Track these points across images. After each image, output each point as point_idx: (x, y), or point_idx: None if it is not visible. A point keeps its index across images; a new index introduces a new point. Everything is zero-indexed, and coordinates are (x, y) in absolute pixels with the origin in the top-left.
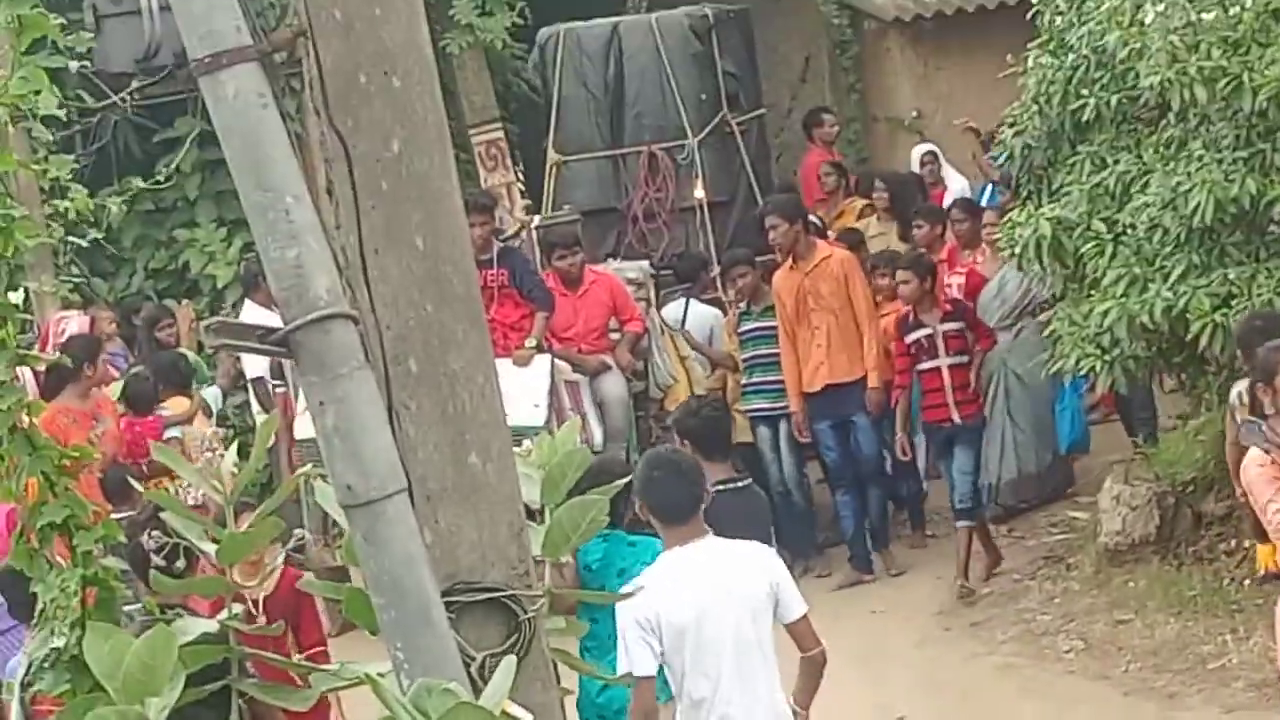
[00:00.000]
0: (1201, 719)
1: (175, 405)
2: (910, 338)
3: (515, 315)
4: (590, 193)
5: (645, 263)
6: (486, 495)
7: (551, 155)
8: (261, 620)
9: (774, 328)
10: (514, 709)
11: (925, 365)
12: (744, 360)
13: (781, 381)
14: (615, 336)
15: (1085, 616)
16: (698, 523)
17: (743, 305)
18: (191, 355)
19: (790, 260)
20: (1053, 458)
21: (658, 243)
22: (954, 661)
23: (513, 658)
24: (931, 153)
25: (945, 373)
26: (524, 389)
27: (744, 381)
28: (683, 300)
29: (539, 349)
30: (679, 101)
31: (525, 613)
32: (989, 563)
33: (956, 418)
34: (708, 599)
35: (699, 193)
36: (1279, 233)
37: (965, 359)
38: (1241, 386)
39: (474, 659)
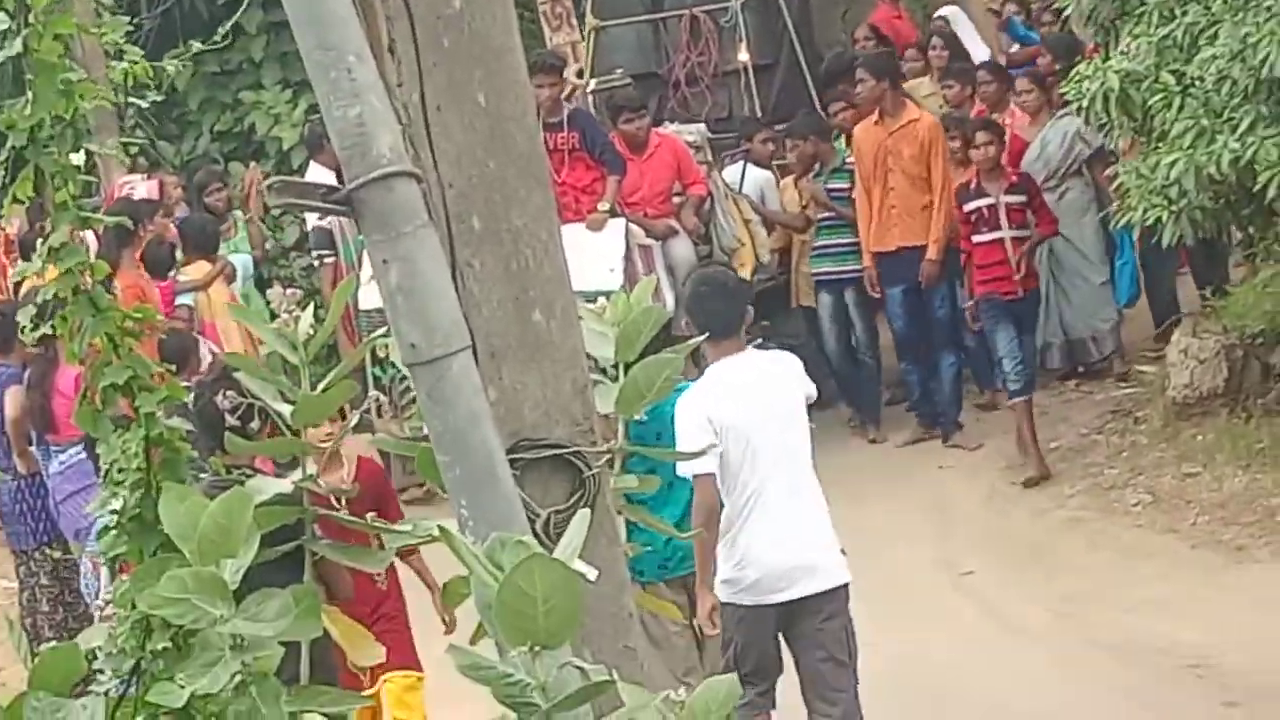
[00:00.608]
0: (1270, 571)
1: (195, 271)
2: (970, 206)
3: (587, 178)
4: (630, 57)
5: (702, 125)
6: (550, 352)
7: (590, 20)
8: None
9: (843, 190)
10: (578, 564)
11: (985, 237)
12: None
13: (847, 245)
14: (678, 200)
15: (1153, 470)
16: (739, 338)
17: (815, 168)
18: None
19: (877, 116)
20: (1113, 319)
21: (700, 107)
22: (1022, 516)
23: (586, 512)
24: (942, 18)
25: (1008, 244)
26: (599, 253)
27: (813, 244)
28: (740, 163)
29: (612, 213)
30: None
31: (589, 469)
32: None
33: (1021, 291)
34: (755, 409)
35: (743, 56)
36: None
37: (1026, 232)
38: None
39: (539, 515)
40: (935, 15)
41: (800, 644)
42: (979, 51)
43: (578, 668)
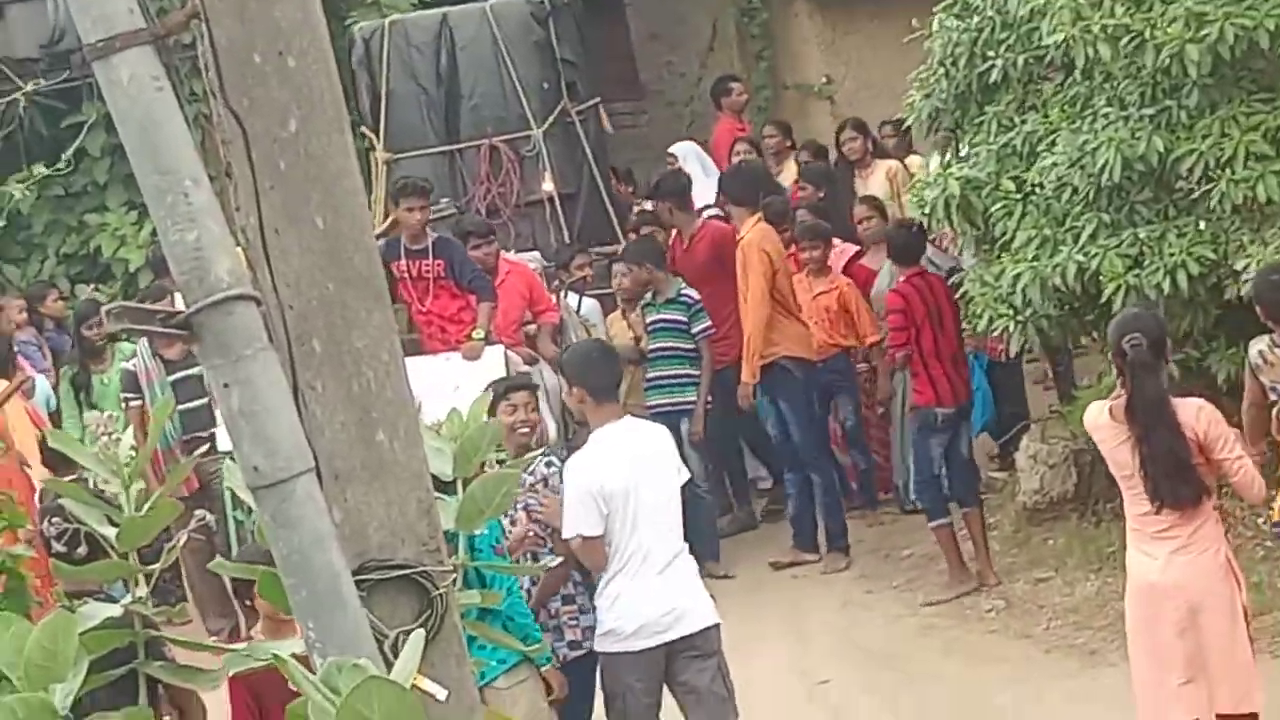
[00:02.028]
0: (1122, 674)
1: None
2: None
3: (453, 307)
4: None
5: (537, 253)
6: (394, 472)
7: (380, 154)
8: None
9: (676, 321)
10: (427, 684)
11: None
12: (649, 353)
13: (682, 376)
14: (530, 329)
15: (1006, 576)
16: (619, 403)
17: (648, 297)
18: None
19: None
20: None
21: (505, 239)
22: (877, 624)
23: (421, 632)
24: (672, 155)
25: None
26: (481, 382)
27: (647, 376)
28: (573, 293)
29: (488, 340)
30: (520, 91)
31: (436, 589)
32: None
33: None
34: (640, 467)
35: (548, 185)
36: (1187, 189)
37: None
38: (1262, 344)
39: (387, 636)
40: (667, 152)
41: (684, 684)
42: (705, 189)
43: None
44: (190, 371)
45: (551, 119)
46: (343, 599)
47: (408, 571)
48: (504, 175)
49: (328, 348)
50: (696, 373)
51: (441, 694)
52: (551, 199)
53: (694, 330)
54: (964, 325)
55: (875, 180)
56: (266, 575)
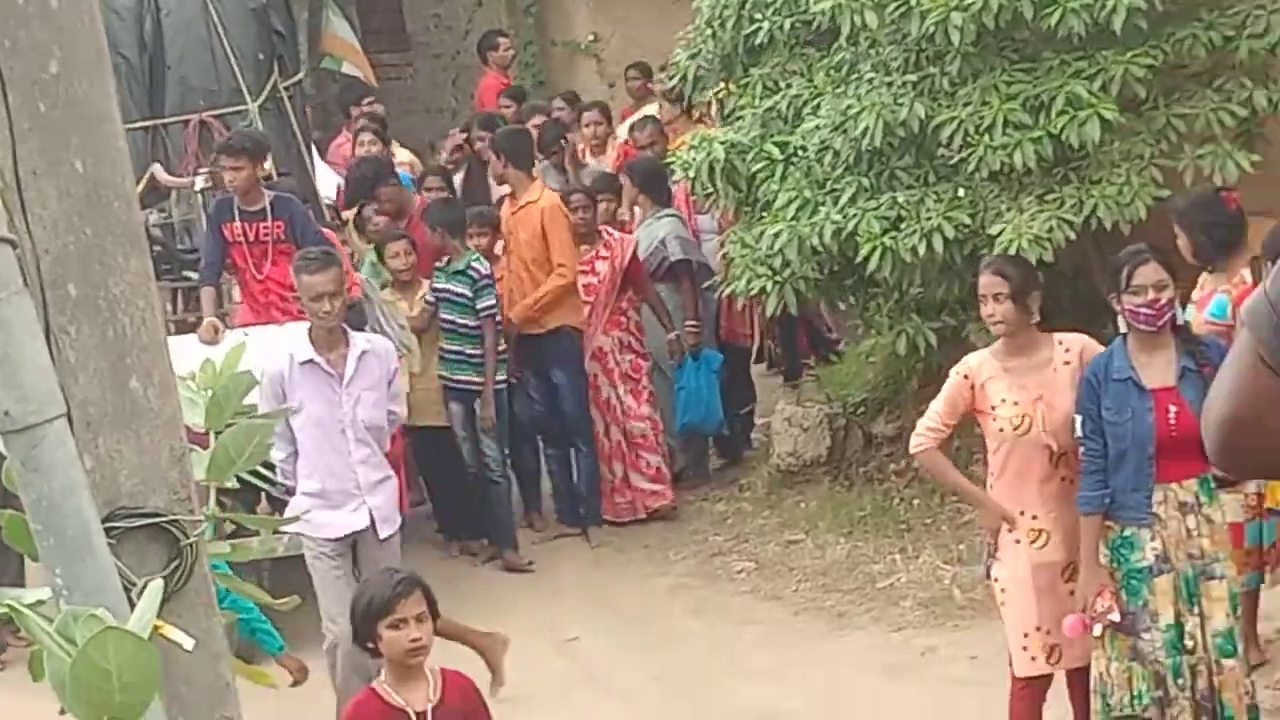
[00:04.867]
0: (870, 636)
1: None
2: None
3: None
4: None
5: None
6: (148, 420)
7: None
8: None
9: (460, 294)
10: (174, 634)
11: None
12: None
13: (469, 354)
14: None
15: (757, 537)
16: None
17: (440, 263)
18: None
19: (510, 195)
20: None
21: None
22: (628, 583)
23: (160, 581)
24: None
25: None
26: None
27: (440, 348)
28: None
29: None
30: (235, 64)
31: (187, 538)
32: None
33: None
34: None
35: (266, 164)
36: (947, 156)
37: None
38: None
39: (135, 584)
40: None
41: None
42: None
43: None
44: None
45: (265, 94)
46: (92, 547)
47: (158, 520)
48: (215, 154)
49: (84, 292)
50: (478, 352)
51: (188, 643)
52: (269, 178)
53: (478, 306)
54: (724, 286)
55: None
56: (14, 520)
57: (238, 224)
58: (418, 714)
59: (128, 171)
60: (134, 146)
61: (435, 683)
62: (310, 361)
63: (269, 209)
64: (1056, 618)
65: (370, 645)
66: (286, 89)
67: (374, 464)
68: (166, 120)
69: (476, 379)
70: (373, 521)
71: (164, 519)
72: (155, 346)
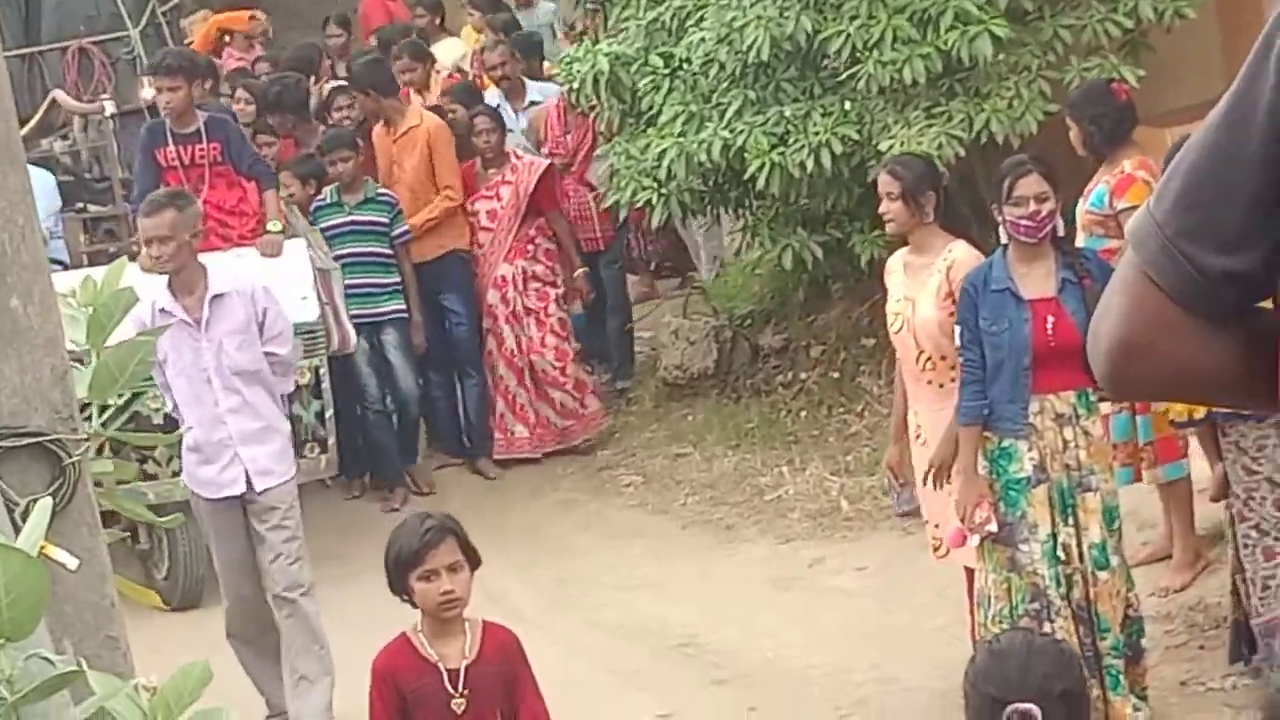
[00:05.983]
0: (758, 549)
1: None
2: None
3: (231, 198)
4: None
5: None
6: (28, 339)
7: None
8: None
9: (375, 223)
10: (58, 553)
11: None
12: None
13: (382, 285)
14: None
15: (644, 451)
16: None
17: (326, 196)
18: None
19: (383, 124)
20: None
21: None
22: (516, 500)
23: (48, 500)
24: None
25: None
26: (285, 280)
27: (346, 282)
28: None
29: (284, 233)
30: None
31: (69, 457)
32: None
33: None
34: None
35: (147, 93)
36: (834, 70)
37: None
38: None
39: (18, 504)
40: None
41: None
42: None
43: (45, 659)
44: None
45: (145, 20)
46: None
47: (40, 439)
48: (95, 82)
49: None
50: (390, 281)
51: (72, 563)
52: (152, 107)
53: (395, 232)
54: (609, 197)
55: None
56: None
57: (171, 148)
58: (450, 671)
59: (5, 90)
60: (12, 77)
61: (473, 637)
62: (165, 310)
63: (203, 130)
64: (943, 514)
65: (405, 597)
66: (165, 14)
67: (249, 413)
68: (44, 48)
69: (385, 309)
70: (248, 477)
71: (46, 438)
72: (36, 265)
